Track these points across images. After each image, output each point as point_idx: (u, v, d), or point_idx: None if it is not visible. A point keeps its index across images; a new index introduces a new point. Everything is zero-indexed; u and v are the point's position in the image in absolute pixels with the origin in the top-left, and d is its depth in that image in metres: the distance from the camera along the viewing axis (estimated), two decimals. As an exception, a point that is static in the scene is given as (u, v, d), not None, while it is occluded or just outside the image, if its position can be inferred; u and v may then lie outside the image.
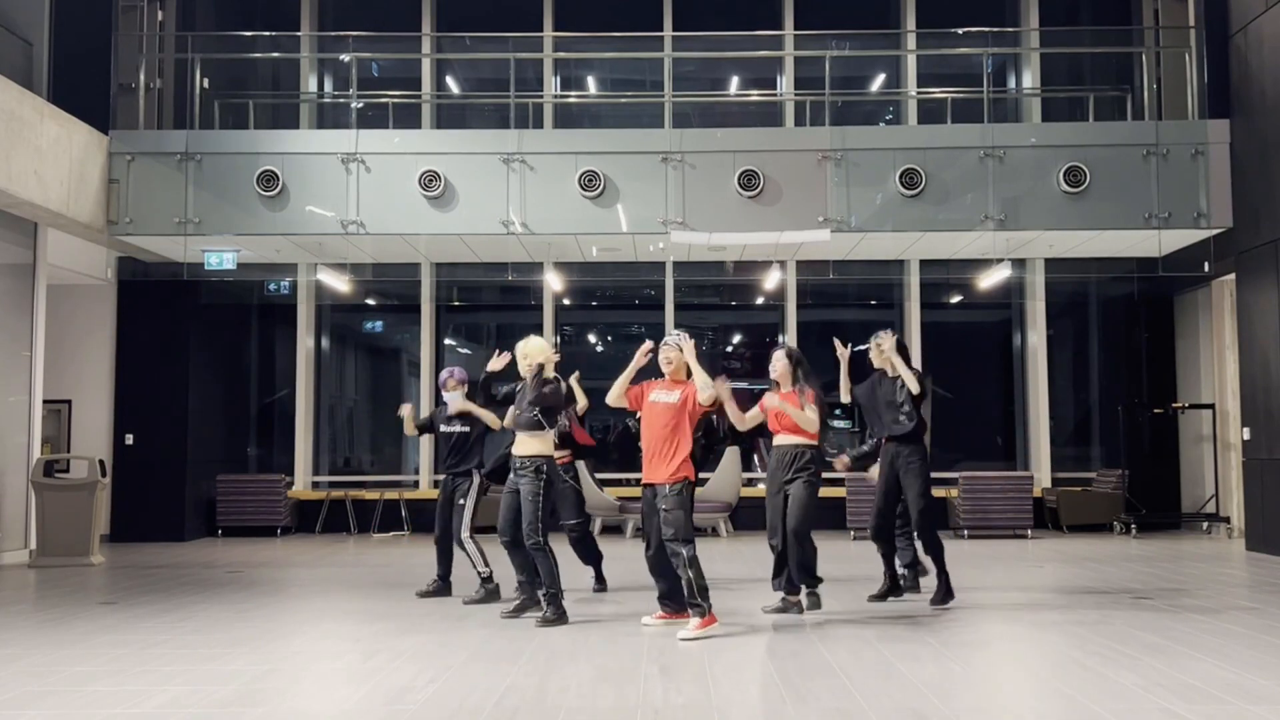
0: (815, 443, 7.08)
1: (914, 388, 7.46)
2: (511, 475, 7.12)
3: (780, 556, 7.17)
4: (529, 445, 7.03)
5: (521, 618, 7.07)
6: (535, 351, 7.13)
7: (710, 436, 7.83)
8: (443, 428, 8.12)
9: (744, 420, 7.15)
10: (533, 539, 6.90)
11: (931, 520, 7.50)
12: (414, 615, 7.28)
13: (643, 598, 7.66)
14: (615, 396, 6.83)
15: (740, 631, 6.55)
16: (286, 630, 6.77)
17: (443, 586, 8.08)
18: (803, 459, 7.01)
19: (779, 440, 7.14)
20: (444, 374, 8.10)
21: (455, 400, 8.00)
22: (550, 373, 7.15)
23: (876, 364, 7.77)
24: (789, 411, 7.00)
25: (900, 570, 7.95)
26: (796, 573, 7.05)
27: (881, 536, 7.70)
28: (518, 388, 7.26)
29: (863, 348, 8.03)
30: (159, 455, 13.06)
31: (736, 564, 9.97)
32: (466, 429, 7.99)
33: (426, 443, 14.14)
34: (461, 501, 7.88)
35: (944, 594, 7.47)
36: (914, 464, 7.47)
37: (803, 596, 7.16)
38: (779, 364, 7.19)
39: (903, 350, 7.76)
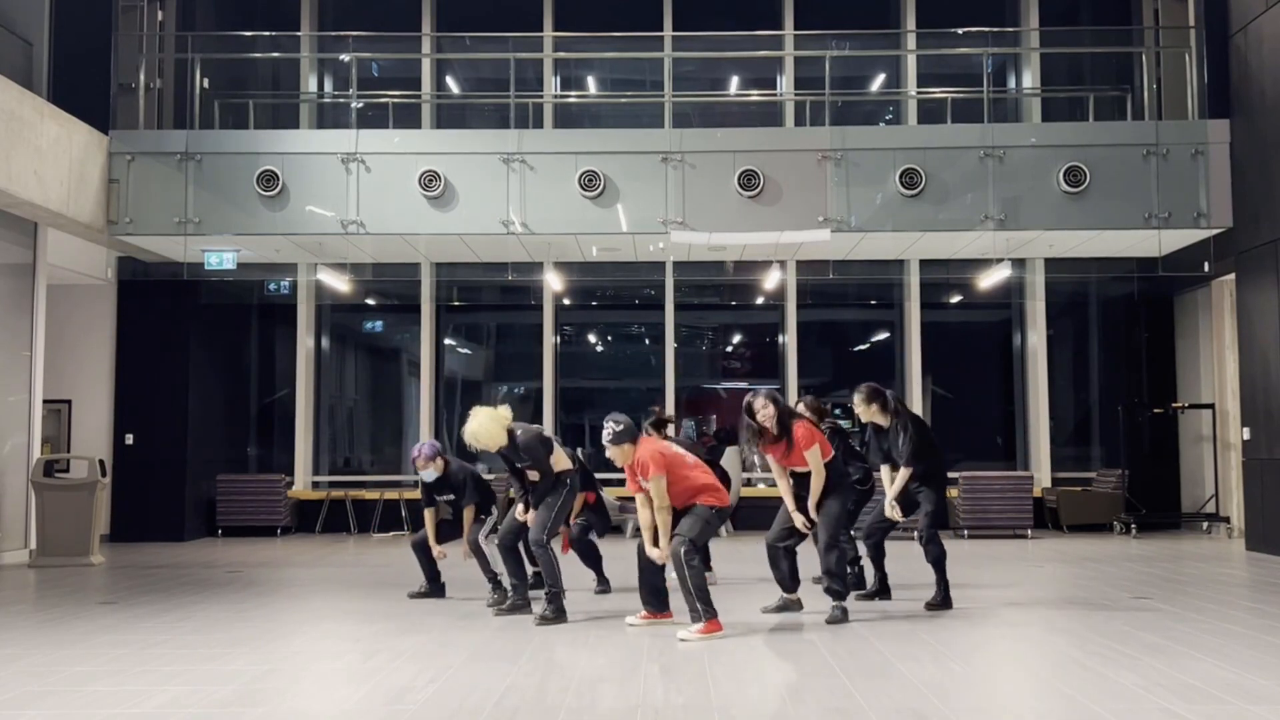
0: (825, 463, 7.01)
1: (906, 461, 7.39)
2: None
3: (786, 555, 7.11)
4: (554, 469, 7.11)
5: (514, 617, 7.11)
6: (487, 437, 6.95)
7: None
8: (436, 495, 7.95)
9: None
10: (539, 541, 6.92)
11: (938, 526, 7.51)
12: (414, 615, 7.29)
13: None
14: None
15: (740, 631, 6.54)
16: (286, 630, 6.77)
17: (435, 588, 8.07)
18: (830, 478, 6.94)
19: (797, 471, 7.02)
20: (414, 452, 7.84)
21: (431, 474, 7.79)
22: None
23: (865, 419, 7.60)
24: (815, 479, 6.91)
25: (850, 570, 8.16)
26: (827, 581, 6.94)
27: (874, 538, 7.72)
28: (483, 472, 7.36)
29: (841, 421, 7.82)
30: (159, 455, 13.07)
31: (736, 564, 9.97)
32: (453, 496, 7.88)
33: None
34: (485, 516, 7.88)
35: (943, 599, 7.46)
36: (925, 489, 7.45)
37: (832, 608, 6.94)
38: (767, 409, 6.89)
39: (878, 397, 7.50)
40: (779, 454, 6.95)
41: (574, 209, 11.59)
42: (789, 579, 7.18)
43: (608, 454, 6.62)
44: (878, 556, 7.85)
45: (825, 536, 6.89)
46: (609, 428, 6.55)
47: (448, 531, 8.03)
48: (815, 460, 6.85)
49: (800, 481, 7.02)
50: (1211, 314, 13.37)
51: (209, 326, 13.76)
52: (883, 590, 7.87)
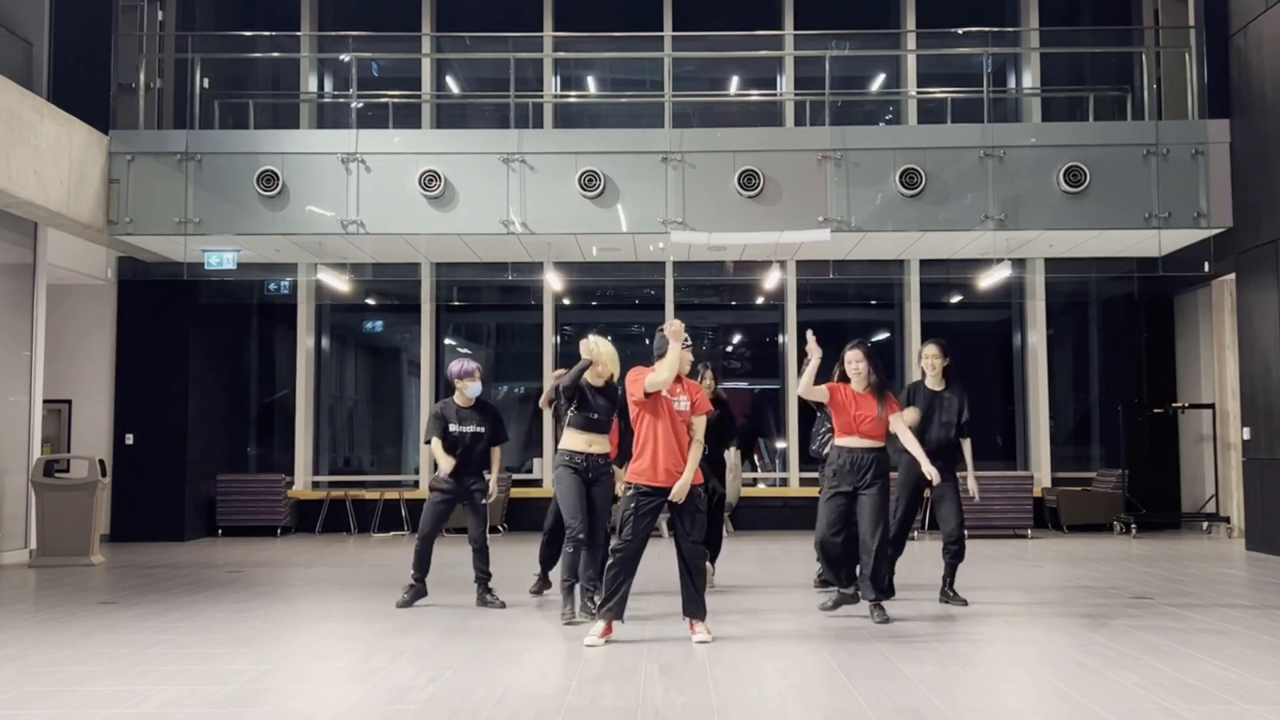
0: (883, 445, 6.95)
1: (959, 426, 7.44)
2: (574, 472, 6.88)
3: (833, 557, 7.03)
4: (603, 444, 7.02)
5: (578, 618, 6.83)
6: (610, 358, 6.98)
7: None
8: (453, 427, 7.53)
9: (811, 391, 6.87)
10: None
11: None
12: (414, 615, 7.28)
13: (644, 599, 7.66)
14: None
15: (741, 632, 6.54)
16: (286, 630, 6.77)
17: (421, 589, 7.67)
18: (880, 465, 6.87)
19: (851, 442, 6.89)
20: (468, 365, 7.58)
21: (476, 389, 7.56)
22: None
23: (932, 371, 7.58)
24: (908, 443, 6.94)
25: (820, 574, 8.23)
26: (865, 587, 6.91)
27: (897, 540, 7.57)
28: (565, 385, 6.95)
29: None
30: (159, 455, 13.06)
31: (736, 564, 9.97)
32: (483, 429, 7.57)
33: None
34: (484, 502, 7.61)
35: (952, 596, 7.58)
36: (954, 478, 7.46)
37: (870, 610, 6.89)
38: (860, 364, 6.92)
39: (949, 355, 7.59)
40: (863, 410, 6.87)
41: (574, 209, 11.59)
42: (846, 573, 7.11)
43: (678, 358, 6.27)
44: (897, 555, 7.74)
45: (878, 539, 6.83)
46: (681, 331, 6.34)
47: (438, 526, 7.71)
48: (899, 425, 6.90)
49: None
50: (1211, 314, 13.37)
51: (209, 326, 13.75)
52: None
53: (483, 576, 7.62)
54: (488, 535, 7.73)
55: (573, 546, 6.90)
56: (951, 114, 12.94)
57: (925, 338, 14.04)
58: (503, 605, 7.49)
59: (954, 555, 7.51)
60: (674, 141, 11.69)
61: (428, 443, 7.72)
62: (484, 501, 7.63)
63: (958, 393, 7.48)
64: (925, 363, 7.61)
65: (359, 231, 11.59)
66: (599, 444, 6.99)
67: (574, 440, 6.95)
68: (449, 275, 14.44)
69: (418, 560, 7.64)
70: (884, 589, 7.02)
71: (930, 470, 7.04)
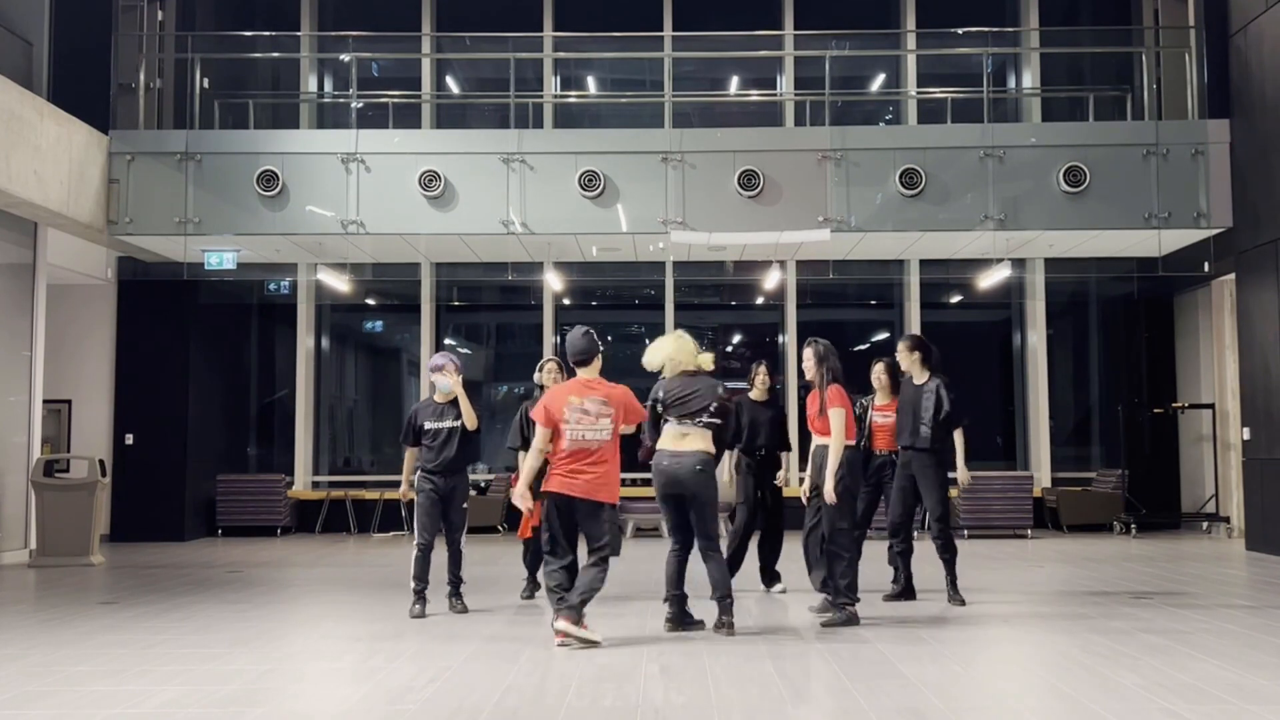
0: (850, 443, 6.77)
1: (946, 409, 7.37)
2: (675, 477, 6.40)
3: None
4: (707, 441, 6.50)
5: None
6: (689, 357, 6.78)
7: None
8: (429, 424, 7.37)
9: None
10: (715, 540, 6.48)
11: (949, 524, 7.53)
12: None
13: (645, 602, 7.66)
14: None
15: (740, 632, 6.54)
16: (286, 630, 6.77)
17: (424, 597, 7.43)
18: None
19: (816, 441, 6.90)
20: (438, 360, 7.43)
21: (448, 385, 7.36)
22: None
23: (904, 367, 7.63)
24: (833, 445, 6.71)
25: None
26: (832, 590, 6.83)
27: (900, 533, 7.62)
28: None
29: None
30: (159, 455, 13.06)
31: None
32: (459, 423, 7.38)
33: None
34: (465, 505, 7.50)
35: (954, 596, 7.54)
36: (930, 471, 7.42)
37: (819, 607, 6.78)
38: (808, 362, 6.91)
39: (923, 347, 7.57)
40: (813, 408, 6.86)
41: (574, 209, 11.59)
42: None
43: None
44: (907, 550, 7.74)
45: (827, 539, 6.82)
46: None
47: (438, 526, 7.56)
48: (837, 423, 6.60)
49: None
50: (1211, 314, 13.37)
51: (209, 326, 13.75)
52: (907, 590, 7.74)
53: (455, 580, 7.46)
54: (463, 539, 7.51)
55: (714, 558, 6.45)
56: (951, 114, 12.94)
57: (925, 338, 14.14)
58: (464, 610, 7.35)
59: (939, 550, 7.51)
60: (674, 141, 11.69)
61: (402, 443, 7.66)
62: (464, 506, 7.50)
63: (935, 387, 7.42)
64: (900, 358, 7.70)
65: (359, 231, 11.59)
66: (698, 440, 6.49)
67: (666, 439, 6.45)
68: (449, 275, 14.44)
69: (418, 569, 7.41)
70: (841, 589, 6.71)
71: (829, 490, 6.67)
